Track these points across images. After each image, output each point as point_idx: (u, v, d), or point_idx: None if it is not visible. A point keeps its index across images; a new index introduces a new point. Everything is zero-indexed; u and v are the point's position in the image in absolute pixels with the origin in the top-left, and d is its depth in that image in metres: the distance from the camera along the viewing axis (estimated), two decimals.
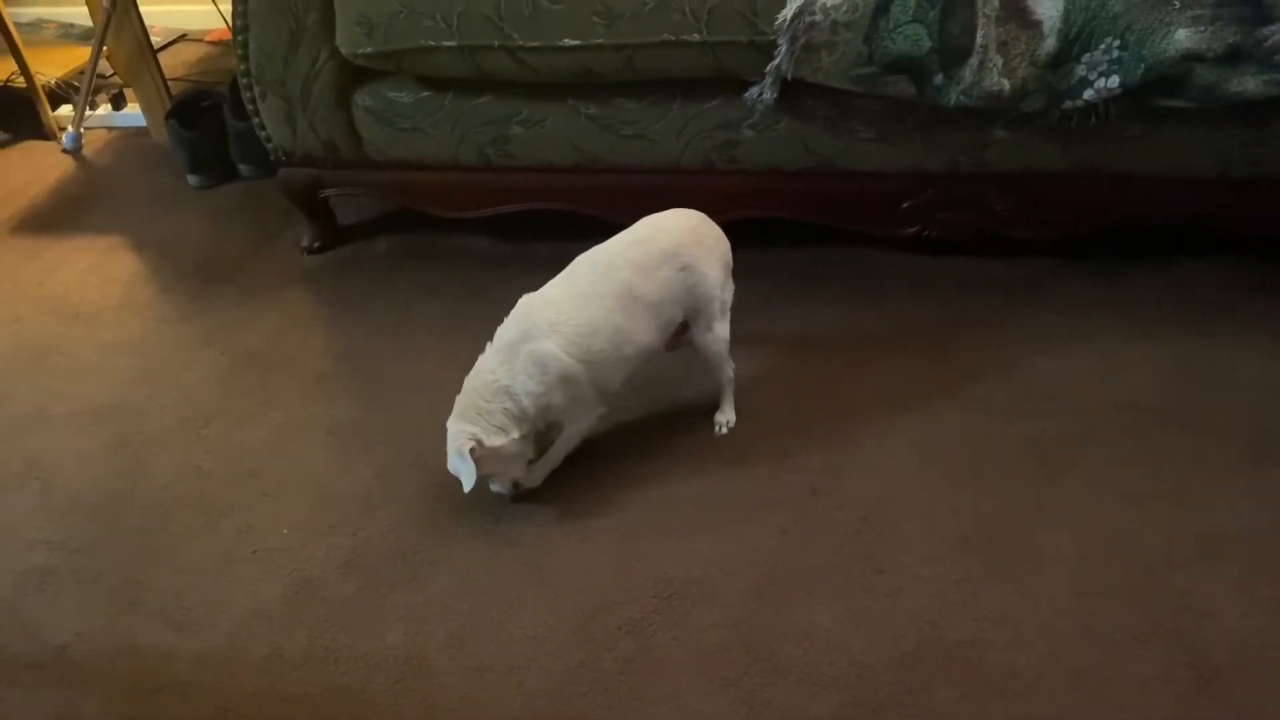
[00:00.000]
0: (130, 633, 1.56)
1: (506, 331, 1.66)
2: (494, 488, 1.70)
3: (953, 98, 1.81)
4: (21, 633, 1.58)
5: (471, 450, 1.58)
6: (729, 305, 1.77)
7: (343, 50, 2.07)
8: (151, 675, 1.50)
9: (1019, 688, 1.38)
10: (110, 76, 3.21)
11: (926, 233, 2.11)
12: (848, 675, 1.41)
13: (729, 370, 1.81)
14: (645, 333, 1.68)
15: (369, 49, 2.03)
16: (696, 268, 1.69)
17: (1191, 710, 1.34)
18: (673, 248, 1.69)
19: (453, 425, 1.63)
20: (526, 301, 1.67)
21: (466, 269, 2.31)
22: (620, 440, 1.83)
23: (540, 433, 1.70)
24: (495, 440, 1.61)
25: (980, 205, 2.06)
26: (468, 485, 1.60)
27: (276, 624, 1.55)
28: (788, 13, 1.78)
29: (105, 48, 2.93)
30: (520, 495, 1.71)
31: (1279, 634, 1.42)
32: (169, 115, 2.73)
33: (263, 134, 2.27)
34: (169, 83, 2.97)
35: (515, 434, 1.62)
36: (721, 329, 1.76)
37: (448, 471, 1.68)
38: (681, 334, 1.79)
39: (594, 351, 1.63)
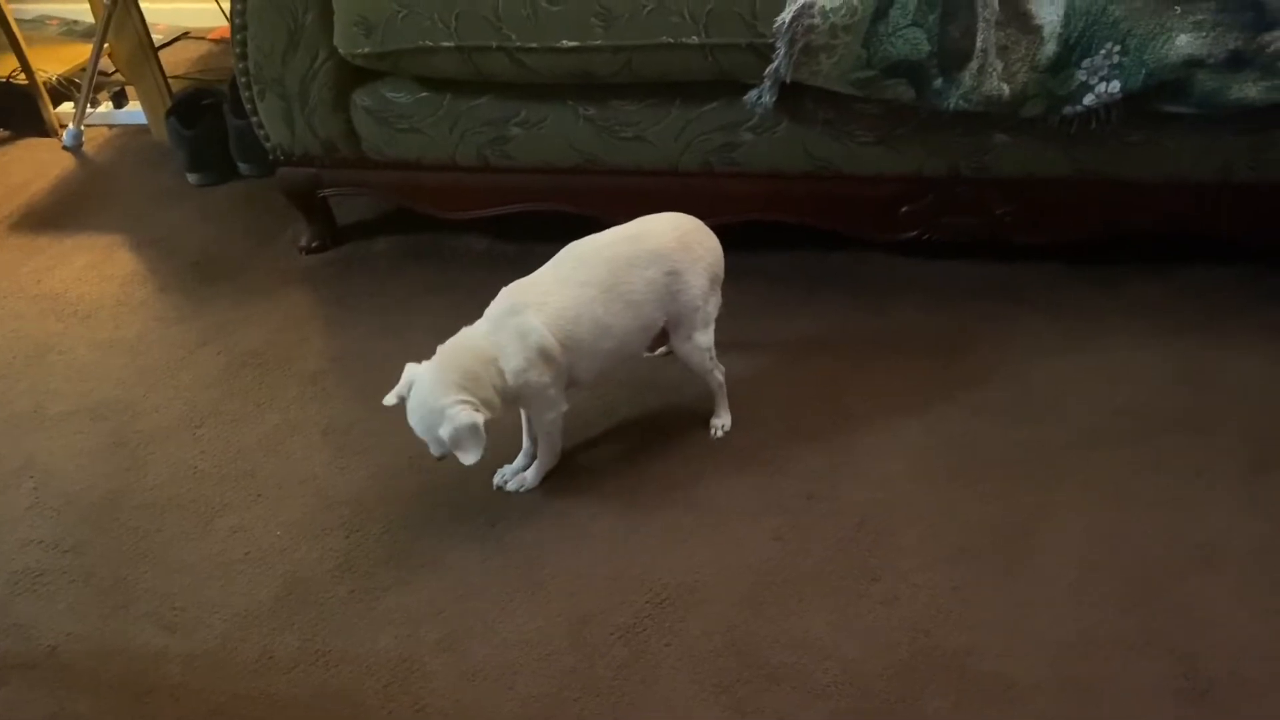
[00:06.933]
0: (122, 633, 1.56)
1: (494, 308, 1.64)
2: (434, 451, 1.61)
3: (952, 102, 1.80)
4: (12, 633, 1.57)
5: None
6: (712, 317, 1.74)
7: (341, 50, 2.07)
8: (142, 676, 1.49)
9: (1013, 696, 1.37)
10: (112, 74, 3.21)
11: (927, 237, 2.09)
12: (841, 683, 1.40)
13: (718, 376, 1.79)
14: (623, 330, 1.67)
15: (367, 49, 2.02)
16: (682, 275, 1.68)
17: None
18: (660, 250, 1.67)
19: (446, 399, 1.54)
20: (511, 285, 1.66)
21: (465, 270, 2.31)
22: (615, 444, 1.83)
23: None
24: (479, 417, 1.56)
25: (981, 210, 2.05)
26: (473, 459, 1.54)
27: (268, 626, 1.55)
28: (786, 15, 1.77)
29: (107, 45, 2.93)
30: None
31: (1277, 645, 1.41)
32: (169, 113, 2.72)
33: (261, 133, 2.26)
34: (170, 80, 2.96)
35: (496, 412, 1.59)
36: (702, 339, 1.73)
37: (441, 474, 1.68)
38: (663, 340, 1.78)
39: (575, 337, 1.62)
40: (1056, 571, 1.53)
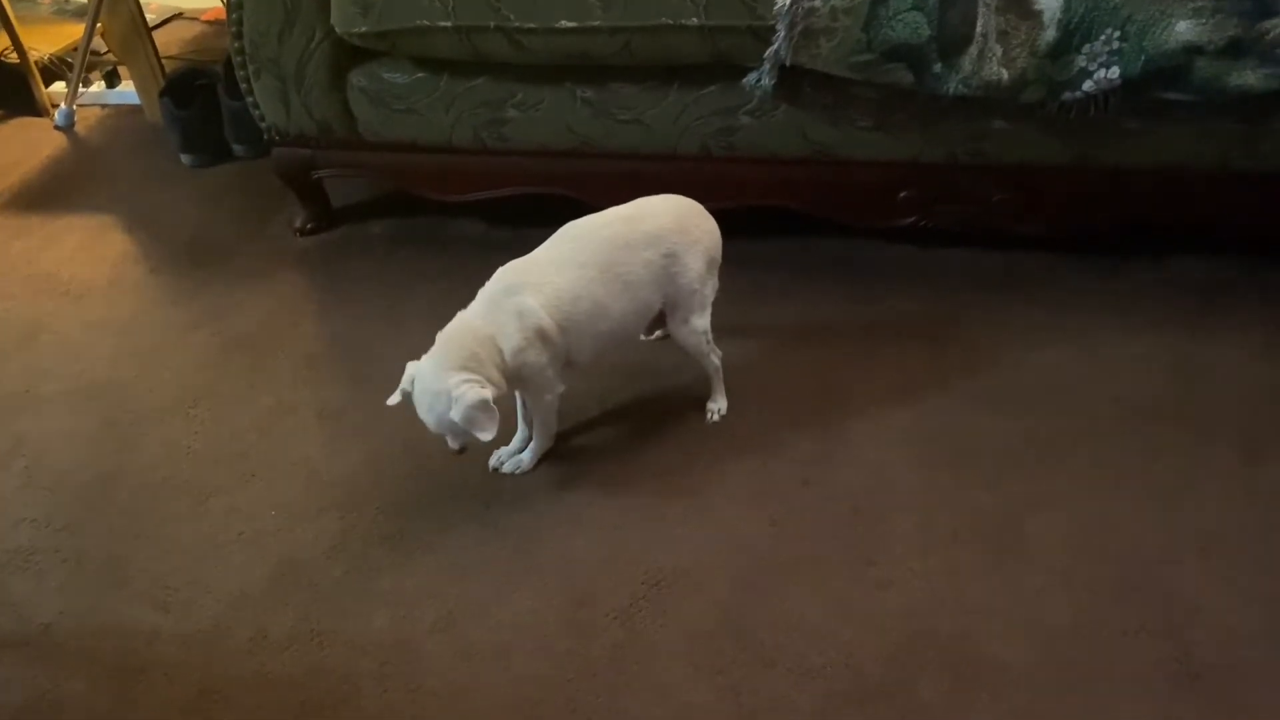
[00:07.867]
0: (115, 612, 1.55)
1: (490, 288, 1.63)
2: (452, 445, 1.61)
3: (951, 87, 1.80)
4: (5, 611, 1.57)
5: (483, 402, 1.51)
6: (709, 301, 1.74)
7: (338, 29, 2.05)
8: (135, 655, 1.49)
9: (1007, 681, 1.38)
10: (104, 54, 3.19)
11: (923, 224, 2.09)
12: (835, 666, 1.41)
13: (715, 360, 1.79)
14: (621, 311, 1.66)
15: (364, 28, 2.01)
16: (680, 257, 1.67)
17: (1178, 706, 1.34)
18: (658, 231, 1.67)
19: (450, 378, 1.52)
20: (508, 265, 1.65)
21: (460, 253, 2.30)
22: (611, 427, 1.83)
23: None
24: (487, 392, 1.54)
25: (977, 197, 2.04)
26: (490, 435, 1.52)
27: (262, 606, 1.54)
28: None
29: (99, 24, 2.91)
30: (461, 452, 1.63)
31: (1267, 631, 1.42)
32: (163, 93, 2.71)
33: (256, 113, 2.25)
34: (163, 61, 2.94)
35: (502, 388, 1.58)
36: (699, 322, 1.73)
37: (436, 456, 1.67)
38: (660, 324, 1.78)
39: (572, 318, 1.61)
40: (1050, 558, 1.54)
